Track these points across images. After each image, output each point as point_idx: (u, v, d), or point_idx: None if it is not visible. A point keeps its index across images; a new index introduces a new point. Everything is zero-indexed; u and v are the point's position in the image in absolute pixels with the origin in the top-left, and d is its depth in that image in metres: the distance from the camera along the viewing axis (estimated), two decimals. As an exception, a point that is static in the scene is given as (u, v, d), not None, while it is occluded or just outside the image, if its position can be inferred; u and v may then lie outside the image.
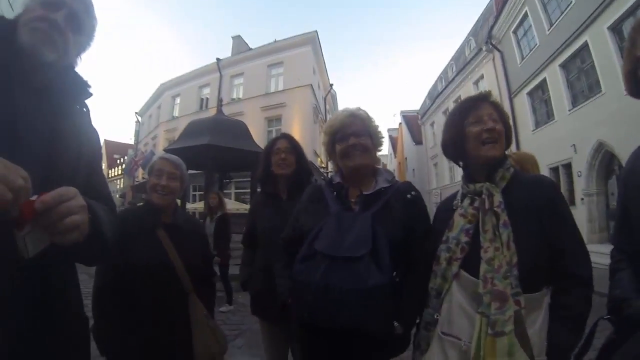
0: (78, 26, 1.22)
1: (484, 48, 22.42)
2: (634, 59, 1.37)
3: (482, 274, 1.42)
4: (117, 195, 39.31)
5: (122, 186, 44.73)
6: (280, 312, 1.93)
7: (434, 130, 34.16)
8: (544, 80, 17.09)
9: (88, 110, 1.32)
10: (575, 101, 15.32)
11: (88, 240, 0.97)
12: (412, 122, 42.21)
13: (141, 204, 2.39)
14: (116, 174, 50.91)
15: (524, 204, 1.51)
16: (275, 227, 2.30)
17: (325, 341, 1.70)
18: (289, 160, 2.70)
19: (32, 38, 1.10)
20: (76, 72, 1.28)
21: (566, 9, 15.17)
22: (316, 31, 25.62)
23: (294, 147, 2.77)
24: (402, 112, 47.31)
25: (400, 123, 47.88)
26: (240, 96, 26.79)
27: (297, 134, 16.84)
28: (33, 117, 1.06)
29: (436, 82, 36.45)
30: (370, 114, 1.98)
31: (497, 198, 1.53)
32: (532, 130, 18.21)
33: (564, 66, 15.85)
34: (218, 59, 27.53)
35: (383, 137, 2.02)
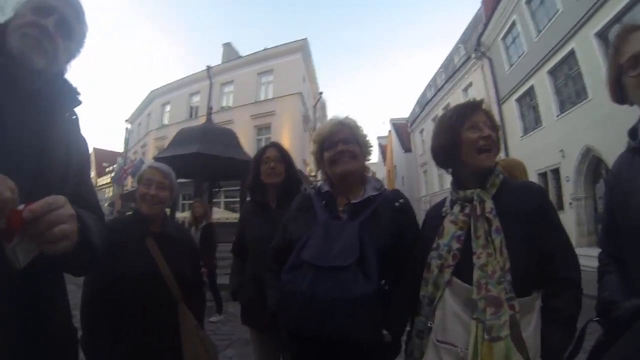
0: (68, 33, 1.21)
1: (473, 55, 22.66)
2: (618, 67, 1.40)
3: (476, 280, 1.42)
4: (106, 204, 38.85)
5: (111, 195, 44.23)
6: (271, 322, 1.91)
7: (424, 138, 34.36)
8: (532, 87, 17.32)
9: (77, 118, 1.30)
10: (562, 107, 15.52)
11: (77, 250, 0.96)
12: (402, 129, 42.44)
13: (130, 213, 2.37)
14: (105, 182, 50.42)
15: (514, 210, 1.52)
16: (265, 236, 2.28)
17: (313, 351, 1.69)
18: (278, 169, 2.70)
19: (22, 44, 1.09)
20: (65, 79, 1.27)
21: (553, 16, 15.43)
22: (306, 39, 25.72)
23: (284, 156, 2.77)
24: (391, 120, 47.54)
25: (389, 131, 48.06)
26: (230, 104, 26.77)
27: (286, 142, 16.87)
28: (21, 125, 1.05)
29: (425, 89, 36.76)
30: (359, 123, 1.99)
31: (489, 204, 1.54)
32: (521, 137, 18.42)
33: (551, 73, 16.07)
34: (208, 67, 27.48)
35: (372, 146, 2.02)
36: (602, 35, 12.69)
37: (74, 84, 1.28)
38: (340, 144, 1.87)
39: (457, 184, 1.71)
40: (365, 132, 1.99)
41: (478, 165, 1.61)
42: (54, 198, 0.88)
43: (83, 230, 1.01)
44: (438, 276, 1.55)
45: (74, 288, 1.31)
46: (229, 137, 11.10)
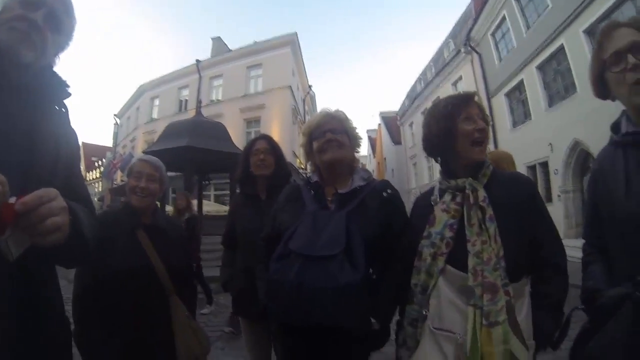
0: (57, 26, 1.19)
1: (462, 50, 22.75)
2: (601, 63, 1.43)
3: (472, 267, 1.45)
4: (96, 199, 38.58)
5: (100, 189, 43.92)
6: (263, 311, 1.92)
7: (413, 131, 34.48)
8: (521, 81, 17.45)
9: (67, 111, 1.29)
10: (551, 102, 15.69)
11: (69, 242, 0.96)
12: (391, 122, 42.48)
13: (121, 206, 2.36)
14: (94, 177, 49.94)
15: (504, 200, 1.56)
16: (255, 227, 2.29)
17: (302, 339, 1.71)
18: (268, 161, 2.70)
19: (10, 37, 1.07)
20: (54, 72, 1.26)
21: (543, 12, 15.54)
22: (296, 33, 25.63)
23: (273, 148, 2.78)
24: (381, 113, 47.53)
25: (379, 124, 48.15)
26: (220, 98, 26.61)
27: (276, 135, 16.84)
28: (10, 118, 1.04)
29: (415, 83, 36.73)
30: (349, 116, 2.00)
31: (482, 193, 1.56)
32: (510, 130, 18.55)
33: (540, 68, 16.21)
34: (198, 61, 27.28)
35: (361, 138, 2.04)
36: (590, 31, 12.77)
37: (63, 77, 1.27)
38: (329, 133, 1.88)
39: (448, 173, 1.73)
40: (354, 124, 2.00)
41: (472, 157, 1.64)
42: (46, 191, 0.88)
43: (75, 223, 1.01)
44: (431, 264, 1.57)
45: (65, 283, 1.30)
46: (219, 131, 11.04)
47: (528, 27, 16.74)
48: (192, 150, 9.43)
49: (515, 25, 17.60)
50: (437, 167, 1.90)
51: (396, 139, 40.31)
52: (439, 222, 1.62)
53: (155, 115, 30.44)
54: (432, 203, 1.72)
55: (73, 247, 1.03)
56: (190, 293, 2.25)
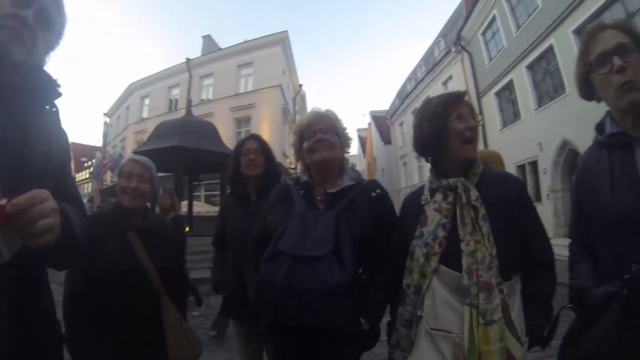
0: (48, 24, 1.17)
1: (453, 49, 22.89)
2: (587, 64, 1.45)
3: (466, 267, 1.46)
4: (85, 200, 38.24)
5: (89, 190, 43.55)
6: (253, 313, 1.92)
7: (403, 130, 34.58)
8: (511, 81, 17.61)
9: (57, 111, 1.27)
10: (540, 101, 15.85)
11: (60, 243, 0.95)
12: (381, 122, 42.54)
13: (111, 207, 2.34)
14: (84, 177, 49.59)
15: (494, 199, 1.57)
16: (246, 228, 2.28)
17: (293, 340, 1.72)
18: (258, 161, 2.70)
19: (1, 36, 1.05)
20: (45, 71, 1.23)
21: (533, 12, 15.68)
22: (287, 31, 25.63)
23: (263, 148, 2.77)
24: (371, 112, 47.54)
25: (369, 123, 48.13)
26: (210, 97, 26.57)
27: (266, 135, 16.78)
28: None
29: (405, 82, 36.86)
30: (339, 115, 2.00)
31: (474, 192, 1.58)
32: (500, 130, 18.71)
33: (530, 67, 16.38)
34: (188, 59, 27.20)
35: (351, 139, 2.04)
36: (580, 32, 12.89)
37: (54, 76, 1.25)
38: (319, 133, 1.88)
39: (440, 173, 1.73)
40: (344, 124, 2.00)
41: (463, 155, 1.66)
42: (37, 192, 0.88)
43: (66, 224, 1.00)
44: (424, 264, 1.57)
45: (55, 286, 1.29)
46: (209, 130, 11.04)
47: (518, 27, 16.89)
48: (182, 150, 9.40)
49: (505, 25, 17.76)
50: (427, 167, 1.91)
51: (386, 139, 40.34)
52: (431, 221, 1.62)
53: (145, 114, 30.31)
54: (423, 202, 1.72)
55: (65, 248, 1.02)
56: (181, 294, 2.25)
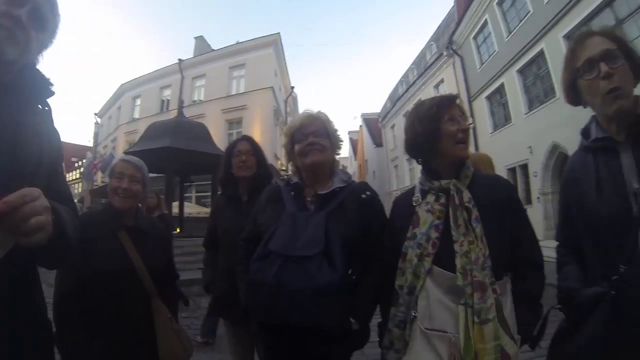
0: (41, 23, 1.16)
1: (444, 53, 23.02)
2: (574, 70, 1.48)
3: (460, 267, 1.48)
4: (76, 200, 37.82)
5: (80, 190, 43.22)
6: (244, 312, 1.92)
7: (395, 133, 34.66)
8: (502, 85, 17.73)
9: (50, 110, 1.26)
10: (531, 105, 15.97)
11: (52, 242, 0.95)
12: (373, 124, 42.59)
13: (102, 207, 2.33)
14: (74, 177, 49.19)
15: (485, 201, 1.60)
16: (237, 229, 2.27)
17: (284, 340, 1.73)
18: (249, 163, 2.70)
19: None
20: (38, 70, 1.23)
21: (524, 17, 15.80)
22: (279, 33, 25.58)
23: (255, 150, 2.78)
24: (362, 114, 47.67)
25: (360, 126, 48.25)
26: (202, 98, 26.47)
27: (257, 136, 16.78)
28: None
29: (397, 85, 37.00)
30: (330, 117, 2.01)
31: (467, 194, 1.60)
32: (491, 133, 18.83)
33: (521, 72, 16.51)
34: (180, 60, 27.08)
35: (342, 141, 2.05)
36: (570, 37, 12.95)
37: (47, 75, 1.24)
38: (311, 136, 1.89)
39: (432, 174, 1.75)
40: (336, 126, 2.01)
41: (456, 155, 1.68)
42: (29, 190, 0.87)
43: (58, 223, 1.00)
44: (417, 265, 1.58)
45: (45, 287, 1.29)
46: (201, 131, 11.03)
47: (509, 32, 17.02)
48: (173, 151, 9.38)
49: (497, 30, 17.88)
50: (418, 170, 1.92)
51: (377, 141, 40.43)
52: (424, 223, 1.64)
53: (136, 115, 30.10)
54: (414, 204, 1.74)
55: (56, 247, 1.02)
56: (172, 295, 2.24)
